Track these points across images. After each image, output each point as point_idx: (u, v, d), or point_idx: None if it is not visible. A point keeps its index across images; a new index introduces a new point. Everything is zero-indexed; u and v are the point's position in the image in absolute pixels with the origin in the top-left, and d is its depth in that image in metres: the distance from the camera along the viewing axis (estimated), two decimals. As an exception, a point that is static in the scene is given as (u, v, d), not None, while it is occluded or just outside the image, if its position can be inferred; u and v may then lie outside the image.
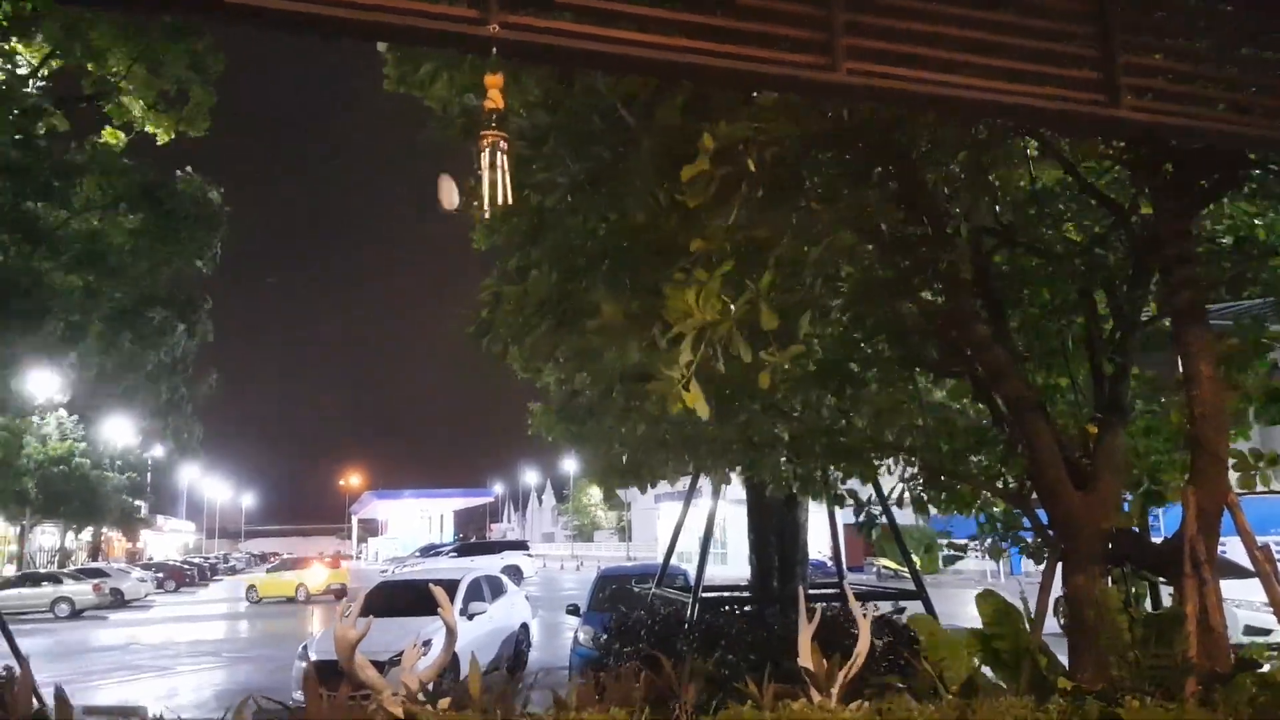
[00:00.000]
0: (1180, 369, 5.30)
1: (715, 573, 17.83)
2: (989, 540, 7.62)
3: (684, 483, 13.09)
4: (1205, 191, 5.45)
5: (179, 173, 16.20)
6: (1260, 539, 5.07)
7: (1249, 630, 11.35)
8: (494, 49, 3.06)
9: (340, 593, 36.85)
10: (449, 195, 3.32)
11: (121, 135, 15.69)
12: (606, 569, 18.94)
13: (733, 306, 4.02)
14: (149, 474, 52.61)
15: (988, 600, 5.88)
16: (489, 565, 28.21)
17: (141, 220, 15.42)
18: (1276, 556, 5.09)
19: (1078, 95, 3.83)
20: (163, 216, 15.54)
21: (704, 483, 11.95)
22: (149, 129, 15.54)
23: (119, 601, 35.82)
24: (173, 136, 15.86)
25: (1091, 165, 6.42)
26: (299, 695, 10.26)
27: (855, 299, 6.21)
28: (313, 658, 11.43)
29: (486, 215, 3.09)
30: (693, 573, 12.51)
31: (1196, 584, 4.87)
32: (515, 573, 36.68)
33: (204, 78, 14.92)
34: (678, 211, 4.35)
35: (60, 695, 3.77)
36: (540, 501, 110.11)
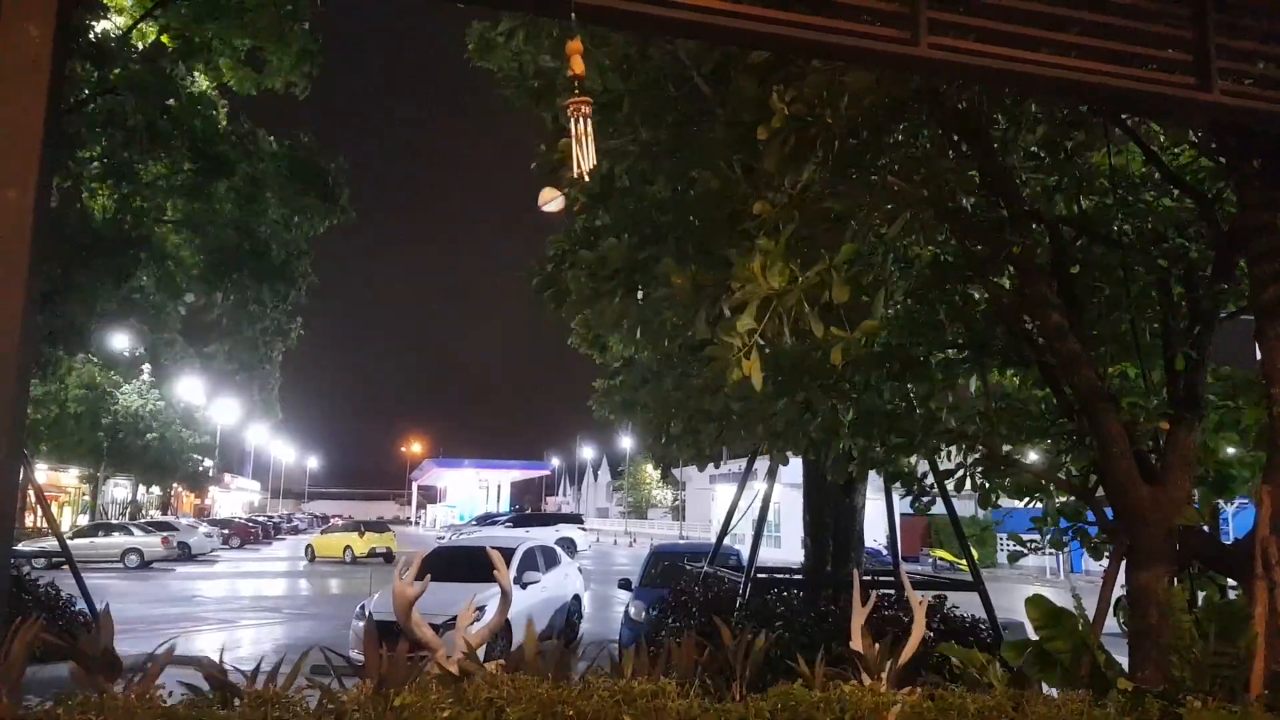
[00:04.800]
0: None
1: (767, 555, 17.79)
2: (1049, 534, 7.49)
3: (740, 464, 13.06)
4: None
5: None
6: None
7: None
8: (572, 13, 3.06)
9: (387, 556, 38.69)
10: (552, 202, 3.40)
11: (207, 81, 15.87)
12: (659, 546, 19.07)
13: (800, 277, 3.98)
14: (218, 434, 54.09)
15: (1036, 605, 5.79)
16: (544, 536, 28.49)
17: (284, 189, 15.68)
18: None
19: (1167, 77, 3.72)
20: (312, 182, 15.86)
21: (760, 464, 11.92)
22: (234, 84, 15.74)
23: (186, 555, 37.08)
24: (254, 92, 16.10)
25: (1176, 152, 6.24)
26: (355, 653, 10.51)
27: (925, 281, 6.12)
28: (371, 617, 11.67)
29: (585, 177, 3.12)
30: (745, 553, 12.52)
31: (1267, 587, 4.74)
32: (569, 545, 37.04)
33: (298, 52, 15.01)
34: (750, 180, 4.32)
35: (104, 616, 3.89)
36: (596, 477, 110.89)
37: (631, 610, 13.54)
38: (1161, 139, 5.98)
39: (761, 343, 4.06)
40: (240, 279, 15.57)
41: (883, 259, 4.97)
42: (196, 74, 15.12)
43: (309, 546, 41.13)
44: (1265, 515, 4.82)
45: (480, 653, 4.44)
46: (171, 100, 13.91)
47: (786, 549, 38.20)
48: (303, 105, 16.03)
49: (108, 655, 3.61)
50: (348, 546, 39.89)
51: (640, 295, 5.66)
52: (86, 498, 49.94)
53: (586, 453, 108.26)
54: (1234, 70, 3.77)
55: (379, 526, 43.80)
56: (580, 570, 19.16)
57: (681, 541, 39.50)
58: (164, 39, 14.53)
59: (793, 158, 4.09)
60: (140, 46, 14.30)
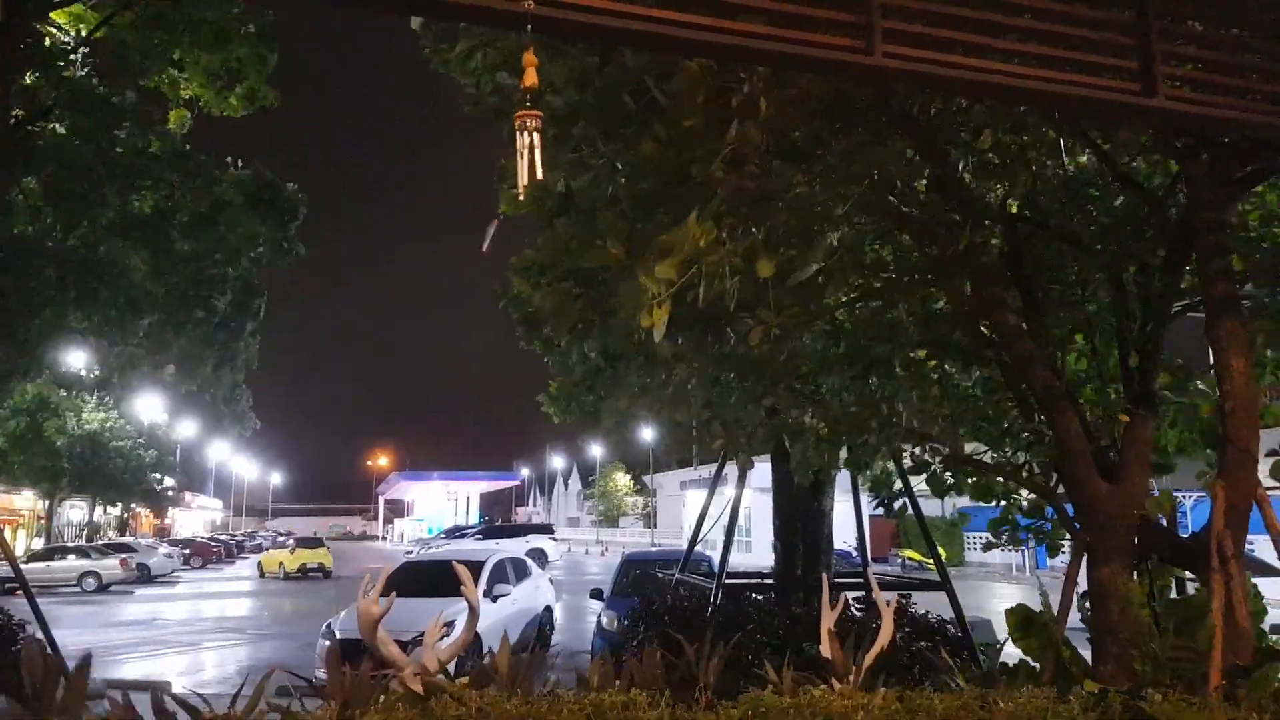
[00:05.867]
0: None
1: (739, 560, 17.87)
2: (1006, 531, 7.60)
3: (710, 469, 13.10)
4: (1242, 181, 5.37)
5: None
6: (1289, 536, 5.01)
7: (1277, 629, 11.22)
8: (529, 25, 3.06)
9: (321, 571, 40.21)
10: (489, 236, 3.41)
11: (187, 114, 15.85)
12: (631, 554, 19.02)
13: (728, 244, 4.04)
14: (178, 451, 53.29)
15: (1015, 614, 5.93)
16: (514, 548, 28.36)
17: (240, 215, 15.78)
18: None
19: (1113, 84, 3.78)
20: (268, 213, 15.97)
21: (729, 469, 11.95)
22: (207, 107, 15.72)
23: (145, 577, 36.47)
24: (229, 113, 16.09)
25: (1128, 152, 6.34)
26: (322, 673, 10.39)
27: (886, 282, 6.18)
28: (336, 635, 11.56)
29: (521, 195, 3.14)
30: (716, 559, 12.53)
31: (1223, 579, 4.82)
32: (540, 556, 36.89)
33: (259, 60, 15.07)
34: (685, 145, 4.36)
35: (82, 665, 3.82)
36: (566, 486, 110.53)
37: (604, 620, 13.50)
38: (1105, 144, 6.09)
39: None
40: (202, 318, 15.61)
41: (833, 250, 5.00)
42: (156, 83, 15.01)
43: (259, 563, 42.33)
44: (1220, 509, 4.91)
45: (451, 668, 4.41)
46: (121, 125, 13.77)
47: (757, 553, 38.31)
48: (250, 124, 16.06)
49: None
50: (281, 563, 41.00)
51: (586, 296, 5.66)
52: (42, 520, 48.94)
53: (556, 462, 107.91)
54: (1177, 76, 3.85)
55: (313, 542, 44.42)
56: (551, 581, 19.07)
57: (653, 549, 39.49)
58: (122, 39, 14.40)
59: (710, 113, 4.12)
60: (83, 60, 14.14)
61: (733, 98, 4.12)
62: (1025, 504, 7.44)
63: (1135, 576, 5.47)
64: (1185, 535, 5.87)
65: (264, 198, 15.91)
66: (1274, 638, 5.85)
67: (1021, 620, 5.82)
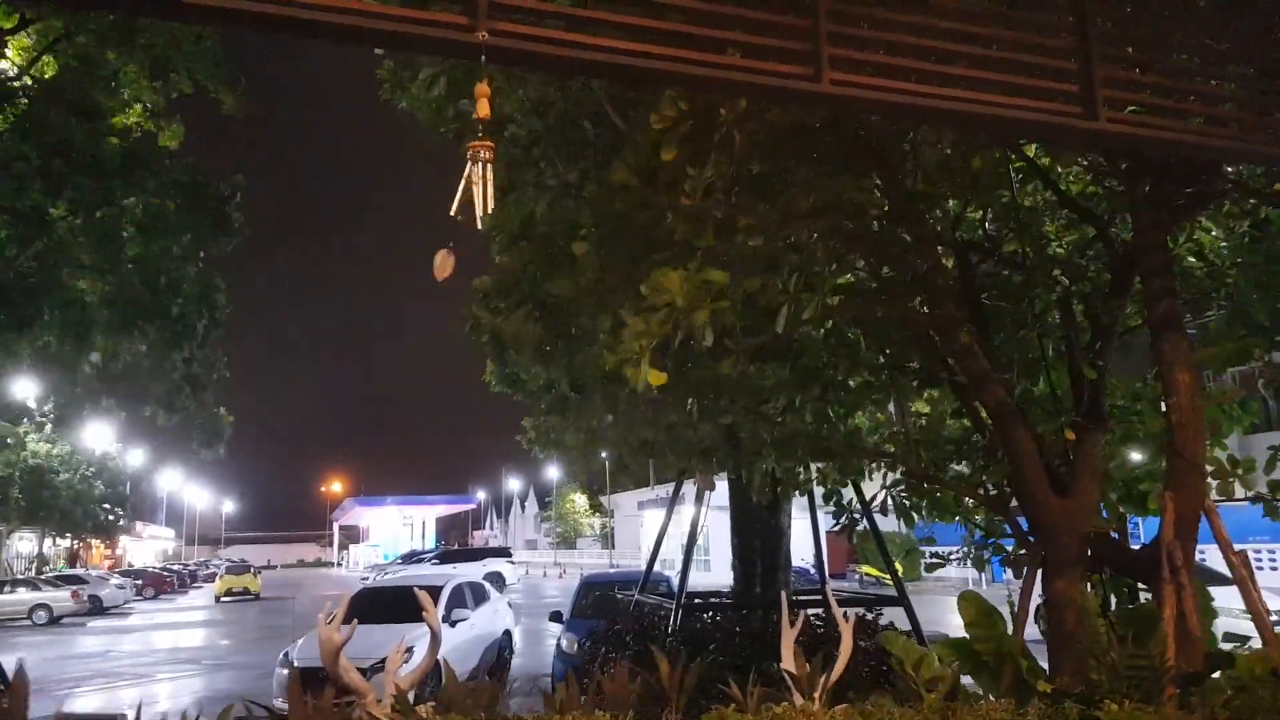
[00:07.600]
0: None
1: (699, 579, 17.89)
2: (971, 550, 7.67)
3: (668, 489, 13.10)
4: (1183, 204, 5.53)
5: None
6: (1237, 546, 5.14)
7: (1228, 637, 11.41)
8: (482, 55, 3.09)
9: (245, 594, 44.11)
10: (443, 268, 3.41)
11: (115, 141, 15.68)
12: (589, 576, 18.91)
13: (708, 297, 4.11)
14: (128, 485, 52.31)
15: (969, 601, 5.93)
16: (471, 572, 28.11)
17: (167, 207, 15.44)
18: (1254, 563, 5.15)
19: (1056, 107, 3.89)
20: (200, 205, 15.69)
21: (687, 489, 11.96)
22: (154, 130, 15.63)
23: (98, 608, 35.73)
24: (178, 142, 15.96)
25: (1074, 176, 6.51)
26: (280, 702, 10.19)
27: (842, 304, 6.26)
28: (295, 664, 11.37)
29: (480, 225, 3.15)
30: (676, 579, 12.52)
31: (1174, 589, 4.93)
32: (498, 580, 36.58)
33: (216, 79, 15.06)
34: (656, 188, 4.42)
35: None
36: (523, 508, 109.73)
37: (563, 643, 13.40)
38: (1058, 168, 6.24)
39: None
40: (147, 328, 15.25)
41: (788, 278, 5.08)
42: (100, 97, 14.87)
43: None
44: (1169, 521, 5.02)
45: (411, 695, 4.37)
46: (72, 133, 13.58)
47: (717, 572, 38.32)
48: (208, 137, 16.10)
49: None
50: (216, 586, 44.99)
51: (545, 319, 5.69)
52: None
53: (513, 484, 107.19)
54: (1118, 99, 3.97)
55: (240, 569, 47.93)
56: (510, 605, 18.91)
57: (612, 570, 39.31)
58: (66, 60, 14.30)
59: (688, 150, 4.20)
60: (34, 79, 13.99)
61: (710, 131, 4.20)
62: (982, 521, 7.53)
63: (1089, 588, 5.57)
64: (1137, 546, 5.99)
65: (198, 188, 15.67)
66: (1228, 648, 5.96)
67: (979, 612, 5.81)
